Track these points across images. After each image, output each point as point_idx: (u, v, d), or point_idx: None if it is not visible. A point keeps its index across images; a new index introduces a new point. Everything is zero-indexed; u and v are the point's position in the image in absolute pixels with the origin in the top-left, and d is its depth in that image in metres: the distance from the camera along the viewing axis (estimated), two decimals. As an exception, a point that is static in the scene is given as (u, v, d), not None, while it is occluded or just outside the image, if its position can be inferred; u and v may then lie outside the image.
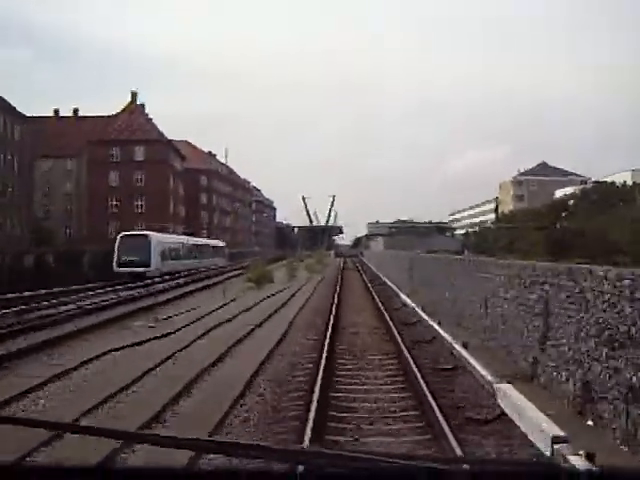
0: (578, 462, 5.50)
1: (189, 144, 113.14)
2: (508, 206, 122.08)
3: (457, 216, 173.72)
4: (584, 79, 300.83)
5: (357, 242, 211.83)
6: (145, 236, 43.43)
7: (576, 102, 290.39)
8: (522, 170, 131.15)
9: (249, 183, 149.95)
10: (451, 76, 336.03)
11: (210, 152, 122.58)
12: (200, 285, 35.78)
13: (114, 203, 78.25)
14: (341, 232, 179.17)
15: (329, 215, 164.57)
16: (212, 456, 3.16)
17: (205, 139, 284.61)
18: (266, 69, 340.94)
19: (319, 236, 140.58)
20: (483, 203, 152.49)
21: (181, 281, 38.67)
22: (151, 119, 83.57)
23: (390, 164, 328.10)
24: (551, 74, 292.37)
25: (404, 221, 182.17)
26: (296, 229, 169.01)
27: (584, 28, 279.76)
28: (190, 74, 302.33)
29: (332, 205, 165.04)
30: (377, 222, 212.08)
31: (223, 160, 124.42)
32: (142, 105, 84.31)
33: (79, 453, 5.44)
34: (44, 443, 6.79)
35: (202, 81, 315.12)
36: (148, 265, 41.16)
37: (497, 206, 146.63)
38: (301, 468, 1.43)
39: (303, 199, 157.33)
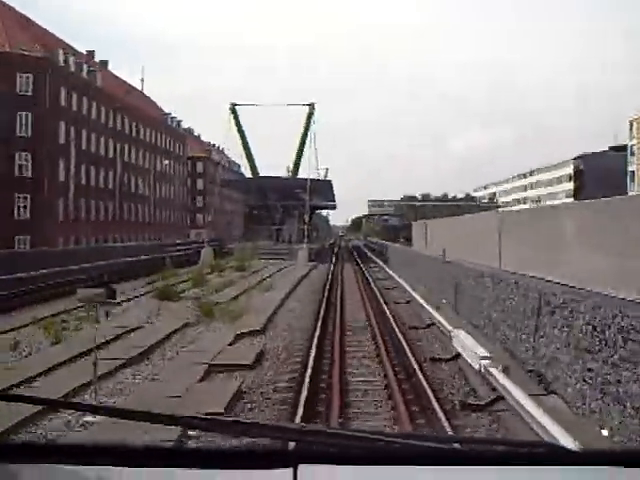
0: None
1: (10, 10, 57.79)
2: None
3: (492, 190, 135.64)
4: None
5: (357, 224, 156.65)
6: None
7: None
8: None
9: (180, 123, 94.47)
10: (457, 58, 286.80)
11: (91, 53, 67.58)
12: None
13: None
14: (331, 197, 70.85)
15: (301, 148, 66.76)
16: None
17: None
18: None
19: (276, 207, 62.59)
20: (532, 172, 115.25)
21: None
22: None
23: (384, 143, 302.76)
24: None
25: (413, 197, 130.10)
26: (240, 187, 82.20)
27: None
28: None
29: (309, 121, 65.85)
30: (381, 200, 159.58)
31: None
32: None
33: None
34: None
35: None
36: None
37: (575, 172, 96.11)
38: (292, 445, 1.40)
39: (233, 109, 65.62)
